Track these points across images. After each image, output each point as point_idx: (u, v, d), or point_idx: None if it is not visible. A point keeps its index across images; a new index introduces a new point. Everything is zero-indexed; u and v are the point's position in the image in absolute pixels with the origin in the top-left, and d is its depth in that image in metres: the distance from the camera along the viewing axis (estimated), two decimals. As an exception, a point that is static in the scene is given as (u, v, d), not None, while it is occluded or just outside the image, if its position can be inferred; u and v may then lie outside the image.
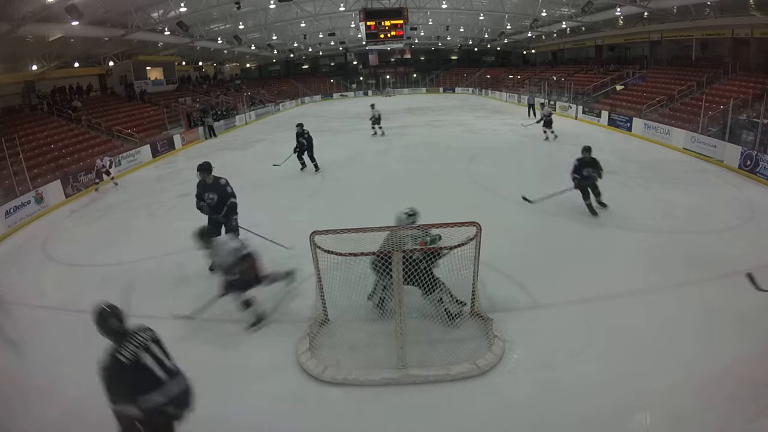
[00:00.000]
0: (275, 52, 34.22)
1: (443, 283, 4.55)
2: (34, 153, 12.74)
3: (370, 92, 41.02)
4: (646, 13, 20.28)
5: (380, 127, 17.26)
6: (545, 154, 13.16)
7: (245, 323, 4.88)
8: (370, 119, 17.08)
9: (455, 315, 4.61)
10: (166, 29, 20.24)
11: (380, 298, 4.78)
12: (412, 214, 4.72)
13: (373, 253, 4.37)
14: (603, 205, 7.88)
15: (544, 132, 15.00)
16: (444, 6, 25.62)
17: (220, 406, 3.80)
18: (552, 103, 21.96)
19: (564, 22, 25.19)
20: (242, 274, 4.66)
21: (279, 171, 11.87)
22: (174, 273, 6.32)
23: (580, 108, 20.30)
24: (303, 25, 28.16)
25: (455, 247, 4.08)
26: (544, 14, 24.52)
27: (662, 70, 20.66)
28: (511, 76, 33.74)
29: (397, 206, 5.89)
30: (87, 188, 11.95)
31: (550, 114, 15.09)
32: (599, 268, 5.86)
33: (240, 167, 12.97)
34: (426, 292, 4.40)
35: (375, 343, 4.34)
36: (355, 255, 4.30)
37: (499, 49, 40.50)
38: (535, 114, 20.69)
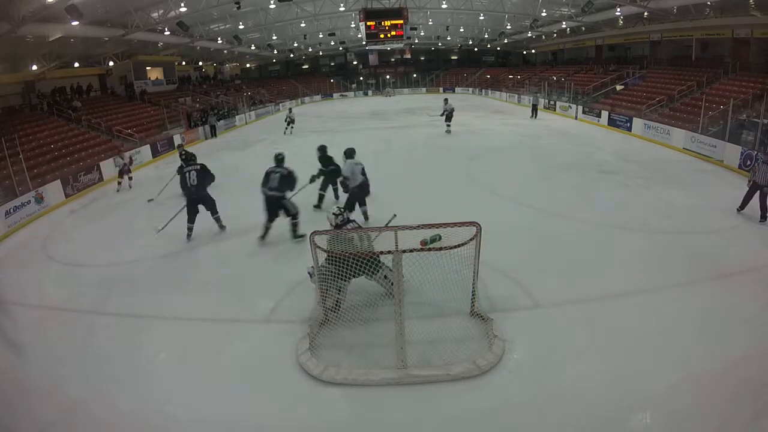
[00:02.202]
0: (275, 52, 34.19)
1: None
2: (34, 153, 12.71)
3: (370, 92, 41.02)
4: (646, 13, 20.27)
5: (291, 127, 19.76)
6: (545, 154, 13.15)
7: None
8: (285, 120, 20.01)
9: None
10: (166, 29, 20.22)
11: (336, 300, 4.75)
12: (339, 214, 5.07)
13: (374, 254, 4.38)
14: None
15: (447, 125, 17.11)
16: (444, 6, 25.58)
17: (220, 405, 3.81)
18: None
19: (564, 22, 25.17)
20: None
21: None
22: (174, 273, 6.32)
23: (580, 108, 20.31)
24: (303, 25, 28.12)
25: (455, 246, 4.08)
26: (544, 14, 24.50)
27: (662, 70, 20.65)
28: (511, 76, 33.74)
29: (398, 207, 5.92)
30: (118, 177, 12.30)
31: (452, 110, 17.17)
32: (599, 268, 5.86)
33: (240, 167, 12.96)
34: (372, 275, 4.59)
35: (375, 343, 4.34)
36: (355, 255, 4.30)
37: (499, 49, 40.49)
38: (536, 115, 20.72)
